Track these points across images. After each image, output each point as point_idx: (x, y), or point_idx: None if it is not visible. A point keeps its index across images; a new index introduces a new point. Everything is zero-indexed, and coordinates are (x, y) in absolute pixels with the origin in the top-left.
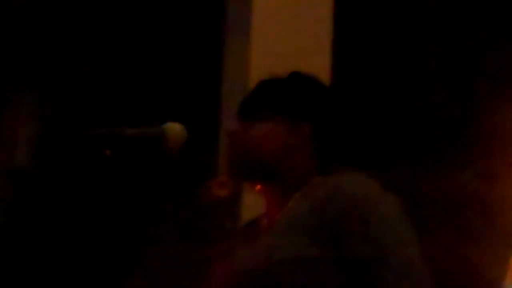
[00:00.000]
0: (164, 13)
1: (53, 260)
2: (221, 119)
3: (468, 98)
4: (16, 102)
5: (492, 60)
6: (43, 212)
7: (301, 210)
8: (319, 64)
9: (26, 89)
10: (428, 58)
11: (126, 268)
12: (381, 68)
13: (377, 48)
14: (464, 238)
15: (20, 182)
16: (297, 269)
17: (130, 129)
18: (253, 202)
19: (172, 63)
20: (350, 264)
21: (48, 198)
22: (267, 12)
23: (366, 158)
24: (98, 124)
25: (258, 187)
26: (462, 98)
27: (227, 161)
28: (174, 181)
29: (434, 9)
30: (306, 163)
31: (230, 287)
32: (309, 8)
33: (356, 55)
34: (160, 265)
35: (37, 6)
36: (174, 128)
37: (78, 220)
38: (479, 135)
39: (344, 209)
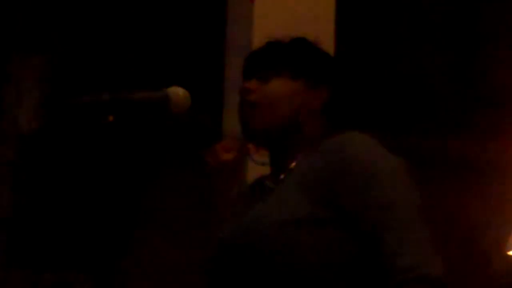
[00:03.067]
0: None
1: (59, 226)
2: (225, 83)
3: (470, 63)
4: (20, 68)
5: (492, 23)
6: (47, 177)
7: (304, 170)
8: (323, 29)
9: (30, 55)
10: (429, 24)
11: (131, 232)
12: (384, 35)
13: (381, 16)
14: (468, 199)
15: (25, 147)
16: (298, 229)
17: (134, 93)
18: (258, 166)
19: (176, 27)
20: (351, 224)
21: (52, 164)
22: None
23: (372, 121)
24: (101, 89)
25: (264, 148)
26: (463, 62)
27: (243, 119)
28: (179, 146)
29: None
30: (318, 126)
31: (232, 248)
32: None
33: (359, 21)
34: (166, 229)
35: None
36: (178, 92)
37: (82, 186)
38: (482, 99)
39: (345, 168)
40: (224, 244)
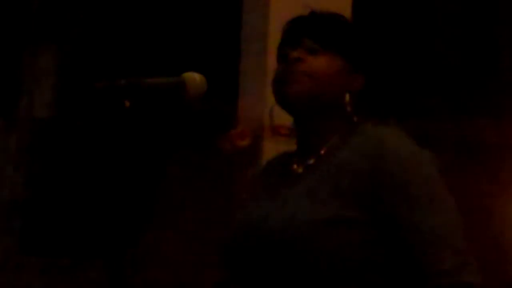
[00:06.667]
0: None
1: (74, 212)
2: (241, 69)
3: (487, 45)
4: (35, 54)
5: (510, 4)
6: (63, 163)
7: (339, 164)
8: (340, 8)
9: (46, 41)
10: (447, 6)
11: (145, 219)
12: (401, 18)
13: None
14: (485, 183)
15: (40, 133)
16: (329, 229)
17: (150, 79)
18: (273, 152)
19: (193, 14)
20: (385, 226)
21: (67, 150)
22: None
23: (386, 107)
24: (117, 74)
25: (288, 130)
26: (481, 45)
27: (279, 84)
28: (195, 131)
29: None
30: (349, 110)
31: (257, 235)
32: None
33: (376, 5)
34: (181, 215)
35: None
36: (194, 78)
37: (97, 171)
38: (500, 81)
39: (388, 173)
40: (249, 228)
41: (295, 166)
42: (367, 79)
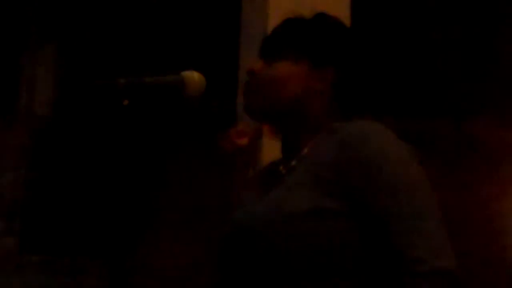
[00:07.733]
0: None
1: (74, 211)
2: (240, 68)
3: (484, 44)
4: (35, 52)
5: (508, 3)
6: (62, 162)
7: (317, 160)
8: (339, 6)
9: (45, 40)
10: (444, 4)
11: (147, 218)
12: (399, 17)
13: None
14: (482, 183)
15: (39, 132)
16: (308, 221)
17: (149, 78)
18: (273, 150)
19: (192, 12)
20: (363, 216)
21: (67, 149)
22: None
23: (382, 105)
24: (116, 73)
25: (273, 131)
26: (478, 43)
27: (245, 100)
28: (194, 130)
29: None
30: (325, 108)
31: (243, 233)
32: None
33: (375, 6)
34: (180, 215)
35: None
36: (193, 76)
37: (96, 170)
38: (496, 80)
39: (364, 164)
40: (235, 227)
41: (281, 168)
42: (340, 73)
